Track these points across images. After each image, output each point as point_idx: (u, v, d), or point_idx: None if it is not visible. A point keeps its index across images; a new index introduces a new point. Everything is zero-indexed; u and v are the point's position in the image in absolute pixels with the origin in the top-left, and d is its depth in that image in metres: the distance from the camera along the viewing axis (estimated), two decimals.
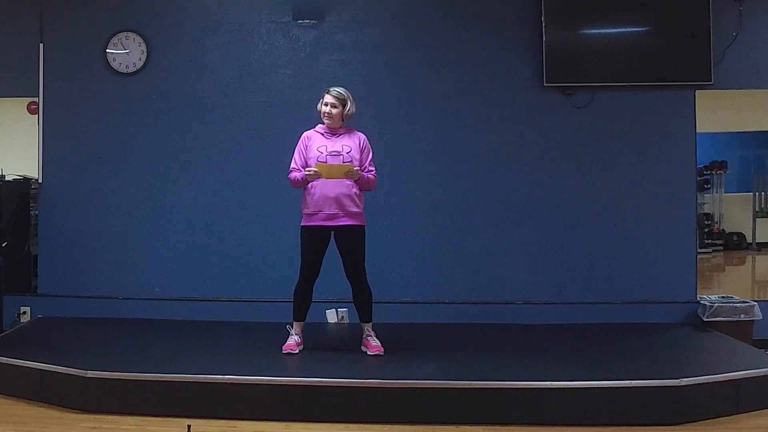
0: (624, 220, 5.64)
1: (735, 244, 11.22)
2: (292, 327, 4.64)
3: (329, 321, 5.58)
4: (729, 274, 9.77)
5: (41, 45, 5.83)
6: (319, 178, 4.42)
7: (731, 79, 5.59)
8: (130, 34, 5.78)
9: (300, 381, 3.97)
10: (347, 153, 4.47)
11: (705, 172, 11.13)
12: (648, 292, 5.60)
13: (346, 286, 4.57)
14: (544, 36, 5.55)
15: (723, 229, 11.32)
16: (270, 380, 3.95)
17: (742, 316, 5.33)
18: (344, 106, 4.52)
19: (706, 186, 11.18)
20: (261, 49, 5.79)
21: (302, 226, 4.54)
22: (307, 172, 4.44)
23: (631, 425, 3.79)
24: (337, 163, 4.43)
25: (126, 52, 5.79)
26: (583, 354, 4.61)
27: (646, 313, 5.54)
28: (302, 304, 4.61)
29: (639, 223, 5.64)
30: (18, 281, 5.92)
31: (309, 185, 4.49)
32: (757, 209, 11.26)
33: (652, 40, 5.62)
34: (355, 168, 4.41)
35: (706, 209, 11.16)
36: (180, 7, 5.83)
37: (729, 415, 3.90)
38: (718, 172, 11.32)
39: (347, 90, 4.56)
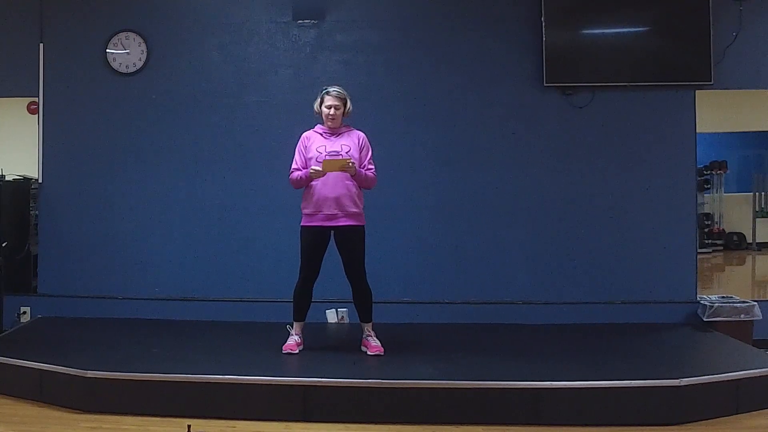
0: (624, 220, 5.65)
1: (735, 244, 11.22)
2: (292, 327, 4.64)
3: (329, 321, 5.58)
4: (729, 274, 9.77)
5: (41, 45, 5.83)
6: (322, 175, 4.41)
7: (731, 79, 5.59)
8: (130, 34, 5.79)
9: (300, 381, 3.97)
10: (346, 153, 4.46)
11: (705, 172, 11.13)
12: (648, 292, 5.60)
13: (346, 286, 4.57)
14: (544, 36, 5.55)
15: (723, 229, 11.32)
16: (270, 380, 3.95)
17: (742, 316, 5.33)
18: (345, 105, 4.53)
19: (706, 186, 11.18)
20: (261, 49, 5.79)
21: (302, 226, 4.54)
22: (312, 171, 4.41)
23: (631, 425, 3.78)
24: None
25: (126, 52, 5.79)
26: (583, 354, 4.61)
27: (646, 313, 5.54)
28: (302, 304, 4.61)
29: (639, 223, 5.64)
30: (18, 281, 5.92)
31: (309, 185, 4.49)
32: (757, 209, 11.26)
33: (652, 40, 5.62)
34: (352, 163, 4.41)
35: (706, 209, 11.17)
36: (180, 7, 5.83)
37: (729, 415, 3.90)
38: (718, 172, 11.33)
39: (342, 88, 4.57)
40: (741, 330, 5.25)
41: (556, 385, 3.86)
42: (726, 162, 11.36)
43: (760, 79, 5.64)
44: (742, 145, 11.82)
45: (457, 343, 4.96)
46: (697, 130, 5.65)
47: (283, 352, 4.50)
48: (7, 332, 5.33)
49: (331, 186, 4.42)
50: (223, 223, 5.74)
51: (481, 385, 3.90)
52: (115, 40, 5.79)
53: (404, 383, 3.91)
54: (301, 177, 4.50)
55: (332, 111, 4.47)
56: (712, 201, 11.37)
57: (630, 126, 5.66)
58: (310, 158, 4.47)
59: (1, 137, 7.34)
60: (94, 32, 5.80)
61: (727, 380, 3.98)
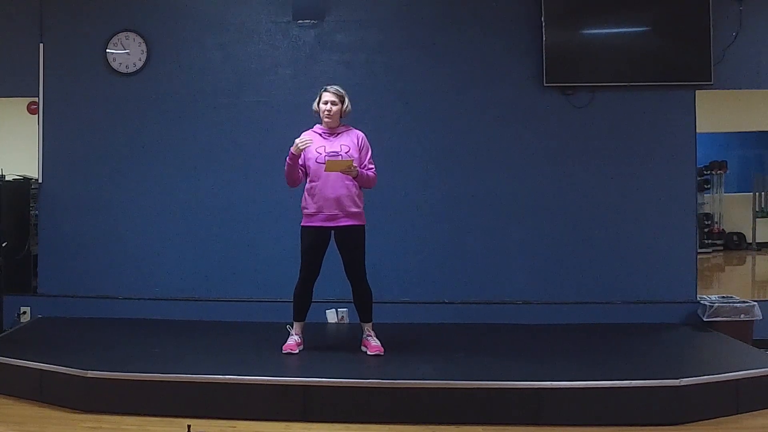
0: (624, 220, 5.65)
1: (735, 244, 11.22)
2: (292, 327, 4.64)
3: (329, 321, 5.58)
4: (729, 274, 9.77)
5: (41, 45, 5.83)
6: (308, 146, 4.41)
7: (731, 79, 5.59)
8: (130, 34, 5.79)
9: (300, 381, 3.97)
10: (346, 153, 4.46)
11: (705, 172, 11.13)
12: (648, 292, 5.60)
13: (346, 286, 4.57)
14: (544, 36, 5.55)
15: (723, 229, 11.32)
16: (270, 380, 3.95)
17: (742, 316, 5.33)
18: (343, 102, 4.53)
19: (706, 186, 11.19)
20: (261, 49, 5.79)
21: (302, 227, 4.54)
22: (298, 145, 4.40)
23: (631, 425, 3.79)
24: None
25: (126, 52, 5.79)
26: (583, 354, 4.61)
27: (646, 313, 5.54)
28: (302, 304, 4.61)
29: (639, 223, 5.64)
30: (18, 281, 5.92)
31: (309, 186, 4.49)
32: (757, 209, 11.26)
33: (652, 40, 5.62)
34: (354, 165, 4.41)
35: (706, 209, 11.17)
36: (180, 7, 5.83)
37: (729, 415, 3.90)
38: (718, 172, 11.33)
39: (341, 87, 4.57)
40: (741, 330, 5.25)
41: (556, 385, 3.86)
42: (726, 162, 11.37)
43: (760, 79, 5.63)
44: (742, 145, 11.82)
45: (457, 343, 4.96)
46: (697, 130, 5.65)
47: (283, 352, 4.50)
48: (7, 332, 5.33)
49: (331, 186, 4.42)
50: (223, 223, 5.74)
51: (481, 385, 3.90)
52: (115, 40, 5.79)
53: (404, 383, 3.91)
54: (288, 163, 4.45)
55: (329, 106, 4.47)
56: (712, 201, 11.37)
57: (630, 126, 5.66)
58: (309, 158, 4.47)
59: (1, 137, 7.35)
60: (94, 32, 5.80)
61: (727, 380, 3.98)
